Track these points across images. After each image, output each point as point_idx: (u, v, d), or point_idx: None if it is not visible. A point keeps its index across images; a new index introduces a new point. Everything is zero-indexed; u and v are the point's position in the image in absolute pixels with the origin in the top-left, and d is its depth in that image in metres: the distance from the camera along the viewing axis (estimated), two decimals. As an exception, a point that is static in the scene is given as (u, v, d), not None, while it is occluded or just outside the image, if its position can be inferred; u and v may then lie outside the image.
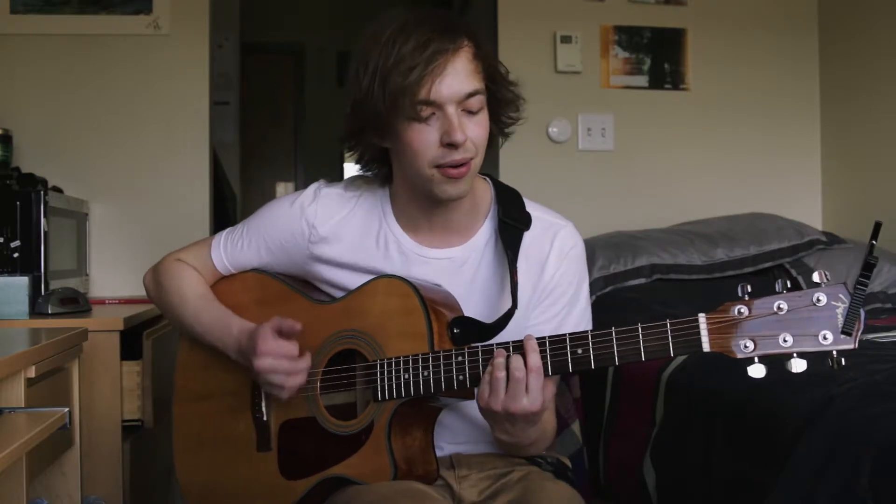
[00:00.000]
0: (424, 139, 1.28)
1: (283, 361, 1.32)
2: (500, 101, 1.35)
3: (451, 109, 1.27)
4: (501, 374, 1.21)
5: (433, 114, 1.27)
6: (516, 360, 1.21)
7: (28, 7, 2.85)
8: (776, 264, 2.84)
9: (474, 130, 1.29)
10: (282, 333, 1.34)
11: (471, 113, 1.29)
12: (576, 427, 2.23)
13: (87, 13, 2.87)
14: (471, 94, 1.28)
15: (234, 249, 1.50)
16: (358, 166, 1.44)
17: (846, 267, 2.78)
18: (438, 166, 1.29)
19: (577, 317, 1.43)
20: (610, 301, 2.62)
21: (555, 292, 1.41)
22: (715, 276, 2.78)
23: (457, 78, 1.27)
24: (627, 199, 3.20)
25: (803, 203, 3.29)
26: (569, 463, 1.51)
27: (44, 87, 2.88)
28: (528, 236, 1.40)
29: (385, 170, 1.41)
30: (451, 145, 1.27)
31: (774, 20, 3.32)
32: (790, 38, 3.32)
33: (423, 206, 1.38)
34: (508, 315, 1.33)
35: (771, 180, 3.30)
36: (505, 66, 1.37)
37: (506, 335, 1.32)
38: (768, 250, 2.83)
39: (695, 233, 2.90)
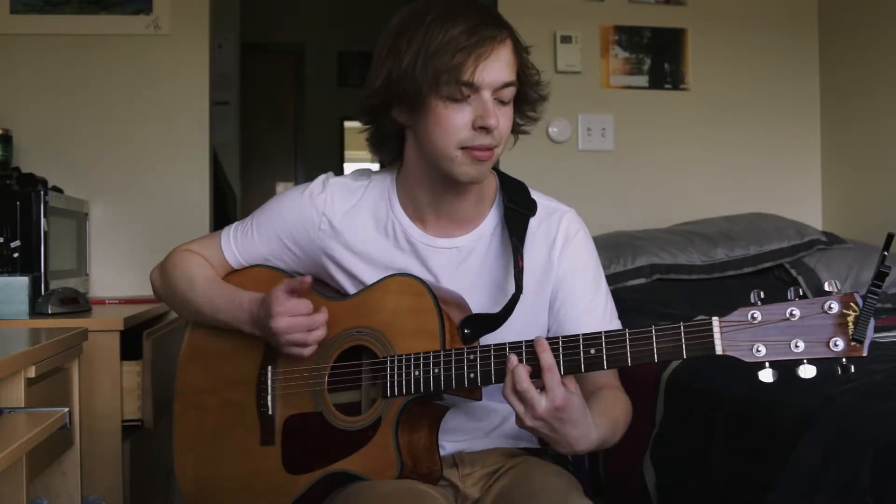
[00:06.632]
0: (457, 120, 1.30)
1: (300, 318, 1.32)
2: (525, 98, 1.37)
3: (487, 95, 1.30)
4: (525, 385, 1.17)
5: (470, 96, 1.30)
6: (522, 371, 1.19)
7: (28, 7, 2.85)
8: (776, 264, 2.84)
9: (502, 121, 1.32)
10: (293, 293, 1.34)
11: (502, 103, 1.32)
12: (576, 427, 2.23)
13: (87, 13, 2.87)
14: (507, 85, 1.31)
15: (245, 242, 1.50)
16: (370, 147, 1.45)
17: (846, 267, 2.78)
18: (465, 148, 1.30)
19: (605, 298, 1.43)
20: (610, 301, 2.62)
21: (574, 277, 1.41)
22: (715, 276, 2.78)
23: (499, 66, 1.30)
24: (627, 199, 3.20)
25: (803, 203, 3.30)
26: (569, 456, 1.52)
27: (44, 87, 2.88)
28: (533, 221, 1.41)
29: (395, 152, 1.42)
30: (485, 129, 1.29)
31: (774, 20, 3.32)
32: (790, 38, 3.32)
33: (433, 190, 1.39)
34: (514, 300, 1.33)
35: (771, 180, 3.30)
36: (536, 68, 1.39)
37: (514, 322, 1.32)
38: (768, 250, 2.83)
39: (695, 233, 2.90)
